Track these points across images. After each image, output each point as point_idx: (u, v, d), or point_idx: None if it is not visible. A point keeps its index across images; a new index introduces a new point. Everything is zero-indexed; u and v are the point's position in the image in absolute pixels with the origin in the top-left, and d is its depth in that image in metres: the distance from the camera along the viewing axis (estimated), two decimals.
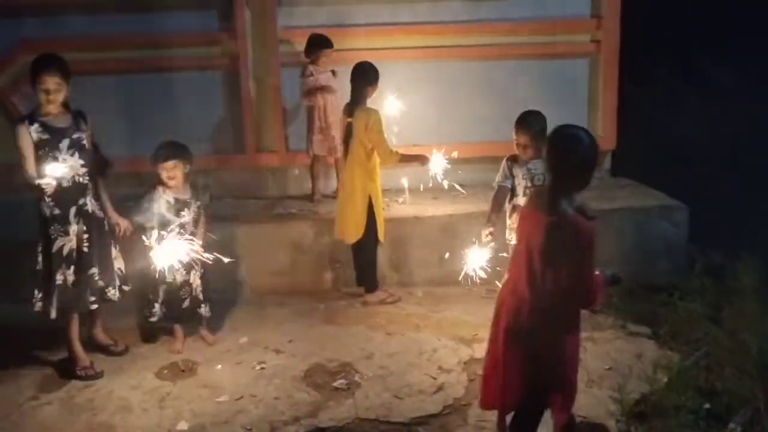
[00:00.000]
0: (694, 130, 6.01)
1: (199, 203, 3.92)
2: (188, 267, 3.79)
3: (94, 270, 3.62)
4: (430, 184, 4.45)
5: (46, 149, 3.45)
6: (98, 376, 3.65)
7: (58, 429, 3.20)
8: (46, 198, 3.47)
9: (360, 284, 4.56)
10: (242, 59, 5.42)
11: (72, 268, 3.56)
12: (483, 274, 3.62)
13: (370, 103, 4.35)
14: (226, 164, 5.57)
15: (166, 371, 3.72)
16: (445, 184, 4.40)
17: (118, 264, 3.79)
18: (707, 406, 3.11)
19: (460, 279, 3.59)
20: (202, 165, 5.48)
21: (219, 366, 3.76)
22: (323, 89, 4.99)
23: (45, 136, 3.47)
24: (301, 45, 5.28)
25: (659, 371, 3.31)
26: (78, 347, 3.70)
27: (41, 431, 3.19)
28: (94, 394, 3.49)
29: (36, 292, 3.59)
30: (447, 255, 4.25)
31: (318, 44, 4.98)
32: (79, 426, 3.21)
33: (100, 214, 3.68)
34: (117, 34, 5.40)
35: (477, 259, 3.60)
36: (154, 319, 3.90)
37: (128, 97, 5.49)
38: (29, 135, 3.45)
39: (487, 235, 3.68)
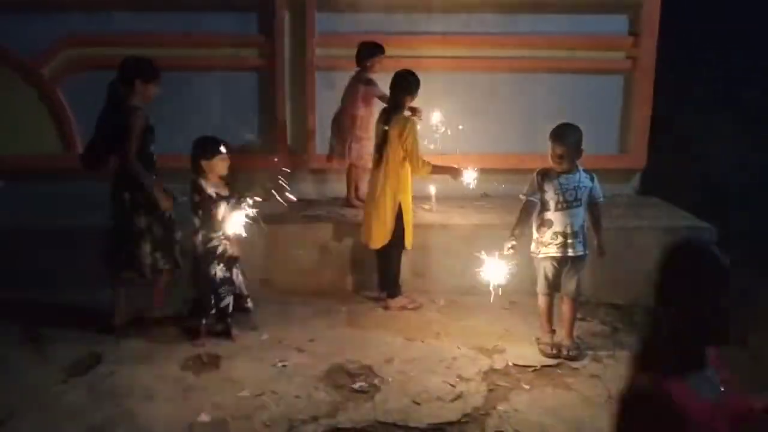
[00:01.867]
0: (725, 151, 5.96)
1: (233, 200, 3.97)
2: (229, 263, 3.90)
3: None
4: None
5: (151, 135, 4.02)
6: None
7: (83, 414, 3.27)
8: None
9: (382, 289, 4.59)
10: (279, 61, 5.51)
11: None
12: (500, 285, 3.62)
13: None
14: (258, 165, 5.64)
15: (190, 363, 3.79)
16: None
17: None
18: None
19: (487, 288, 3.60)
20: (235, 165, 5.60)
21: (241, 361, 3.81)
22: (375, 98, 4.97)
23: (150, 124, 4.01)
24: (337, 50, 5.35)
25: None
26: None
27: (68, 415, 3.26)
28: (119, 381, 3.57)
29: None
30: (478, 260, 4.23)
31: (374, 51, 4.98)
32: (103, 412, 3.29)
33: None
34: (158, 32, 5.53)
35: (496, 271, 3.60)
36: (208, 320, 3.99)
37: (166, 95, 5.59)
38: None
39: (509, 249, 3.68)
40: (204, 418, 3.25)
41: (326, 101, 5.38)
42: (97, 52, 5.57)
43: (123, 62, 4.16)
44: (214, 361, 3.82)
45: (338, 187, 5.50)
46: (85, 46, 5.58)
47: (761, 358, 3.65)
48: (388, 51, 5.17)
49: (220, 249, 3.89)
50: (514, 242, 3.71)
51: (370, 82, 4.99)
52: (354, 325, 4.34)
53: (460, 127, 5.15)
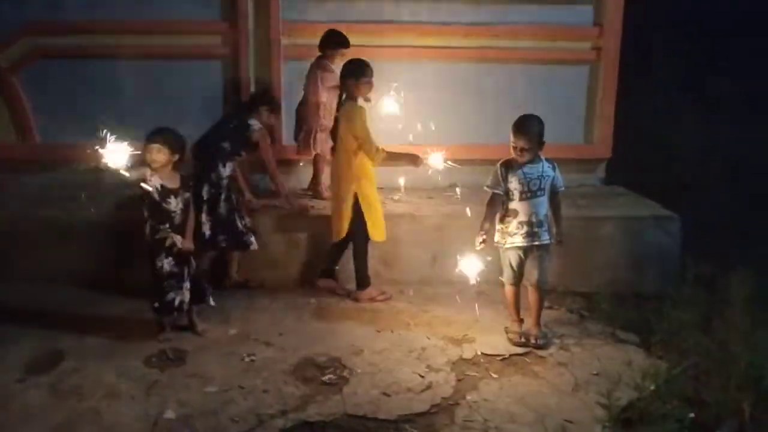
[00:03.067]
0: (690, 140, 6.06)
1: (188, 195, 3.92)
2: (180, 257, 3.84)
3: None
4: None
5: None
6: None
7: (44, 413, 3.17)
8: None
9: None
10: (243, 50, 5.41)
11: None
12: (476, 279, 3.77)
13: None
14: None
15: (154, 359, 3.70)
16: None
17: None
18: (692, 415, 3.13)
19: (457, 279, 3.65)
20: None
21: (208, 356, 3.75)
22: (335, 87, 4.92)
23: None
24: (302, 39, 5.27)
25: (647, 379, 3.33)
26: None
27: (27, 415, 3.16)
28: (81, 380, 3.47)
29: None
30: (447, 251, 4.25)
31: (339, 43, 4.94)
32: (65, 411, 3.19)
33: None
34: (118, 19, 5.38)
35: (471, 266, 3.73)
36: (156, 314, 3.92)
37: (126, 83, 5.47)
38: None
39: (480, 243, 3.76)
40: (169, 414, 3.18)
41: (294, 91, 5.30)
42: (54, 40, 5.42)
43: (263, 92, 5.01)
44: (180, 357, 3.74)
45: (308, 178, 5.45)
46: (43, 35, 5.41)
47: (725, 344, 3.71)
48: (354, 39, 5.12)
49: (168, 242, 3.81)
50: (484, 236, 3.76)
51: (327, 68, 4.95)
52: (323, 318, 4.30)
53: (432, 126, 5.15)
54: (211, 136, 4.59)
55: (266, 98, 4.84)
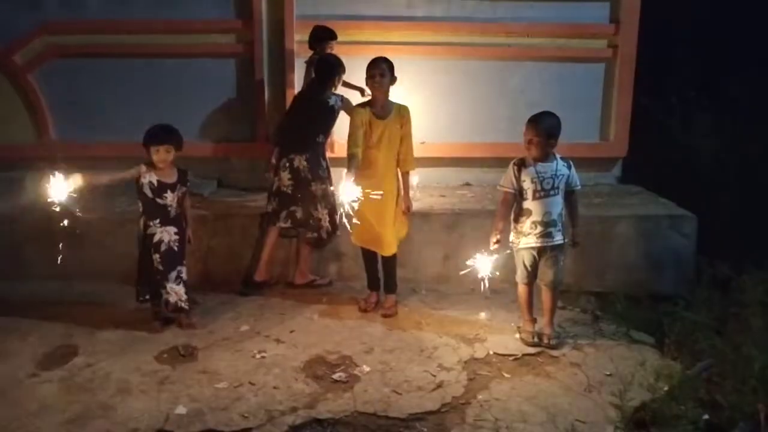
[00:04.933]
0: (705, 141, 5.98)
1: (184, 188, 3.97)
2: (171, 255, 3.91)
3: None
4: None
5: None
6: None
7: (56, 407, 3.20)
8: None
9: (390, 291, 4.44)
10: (257, 48, 5.43)
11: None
12: (488, 277, 3.70)
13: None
14: (237, 153, 5.58)
15: (165, 355, 3.73)
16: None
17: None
18: (706, 417, 3.09)
19: (471, 286, 3.62)
20: (213, 152, 5.54)
21: (219, 353, 3.76)
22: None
23: None
24: None
25: (661, 380, 3.29)
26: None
27: (40, 409, 3.19)
28: (93, 375, 3.50)
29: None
30: (459, 249, 4.21)
31: (327, 37, 4.92)
32: (77, 405, 3.22)
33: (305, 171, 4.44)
34: (134, 19, 5.42)
35: (485, 266, 3.67)
36: (143, 297, 4.00)
37: (142, 81, 5.51)
38: None
39: (494, 243, 3.71)
40: (181, 410, 3.19)
41: None
42: (72, 39, 5.47)
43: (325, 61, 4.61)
44: (191, 353, 3.76)
45: None
46: (60, 34, 5.47)
47: (740, 346, 3.66)
48: (367, 37, 5.10)
49: (156, 237, 3.86)
50: (498, 236, 3.72)
51: None
52: (334, 316, 4.29)
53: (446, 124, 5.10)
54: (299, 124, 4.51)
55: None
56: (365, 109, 4.12)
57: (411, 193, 4.33)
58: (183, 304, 3.96)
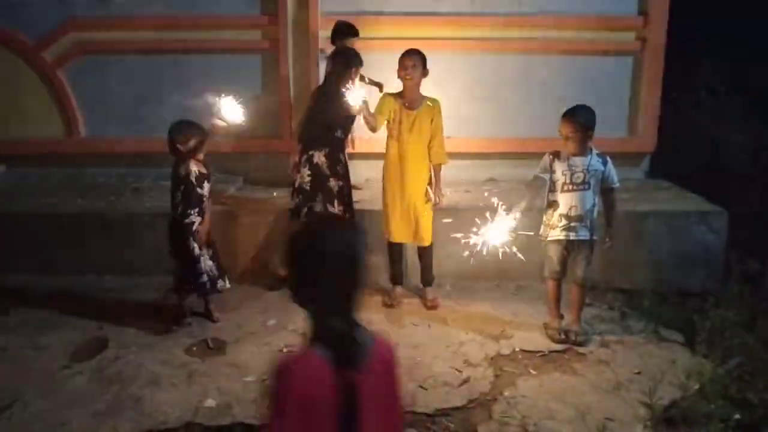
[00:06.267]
0: (735, 135, 5.88)
1: (212, 179, 4.08)
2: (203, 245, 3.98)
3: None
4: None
5: None
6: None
7: (87, 399, 3.26)
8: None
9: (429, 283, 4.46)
10: (282, 43, 5.44)
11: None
12: (497, 248, 3.38)
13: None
14: (263, 148, 5.61)
15: (195, 348, 3.77)
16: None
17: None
18: (738, 416, 3.05)
19: (496, 282, 3.44)
20: (239, 148, 5.57)
21: (246, 346, 3.80)
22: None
23: None
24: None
25: (691, 378, 3.25)
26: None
27: (72, 400, 3.25)
28: (124, 367, 3.55)
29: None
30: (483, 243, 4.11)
31: (348, 32, 4.90)
32: (108, 397, 3.27)
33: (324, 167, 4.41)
34: (161, 15, 5.47)
35: (493, 236, 3.35)
36: (186, 295, 4.04)
37: (169, 77, 5.56)
38: None
39: (513, 219, 3.39)
40: (210, 402, 3.23)
41: None
42: (100, 35, 5.53)
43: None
44: (219, 346, 3.80)
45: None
46: (89, 30, 5.53)
47: None
48: (392, 32, 5.07)
49: (194, 226, 3.93)
50: (518, 213, 3.46)
51: None
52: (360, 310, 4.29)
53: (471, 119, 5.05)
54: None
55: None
56: (395, 99, 4.14)
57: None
58: (217, 282, 4.05)
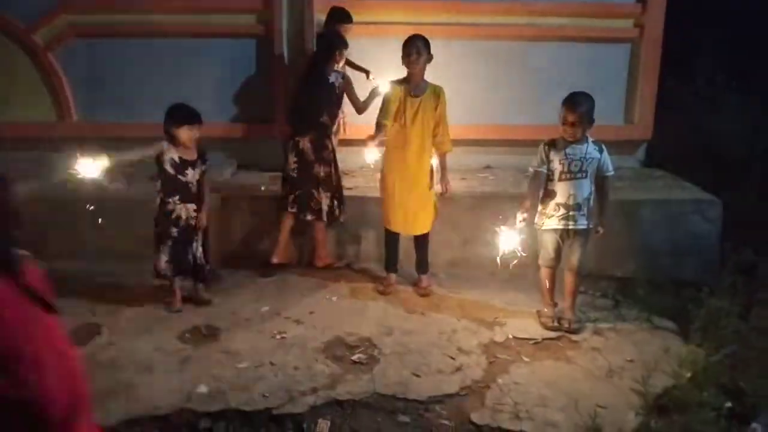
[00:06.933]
0: (732, 124, 5.87)
1: (204, 166, 4.02)
2: (188, 231, 3.96)
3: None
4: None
5: None
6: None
7: None
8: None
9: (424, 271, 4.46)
10: (277, 28, 5.39)
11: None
12: (512, 257, 3.60)
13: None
14: (257, 133, 5.57)
15: (188, 335, 3.76)
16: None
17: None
18: (730, 404, 3.06)
19: (497, 261, 3.57)
20: (233, 133, 5.53)
21: (240, 333, 3.79)
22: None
23: None
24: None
25: (684, 366, 3.26)
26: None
27: None
28: (116, 353, 3.54)
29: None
30: (479, 232, 4.16)
31: (339, 17, 4.87)
32: (100, 383, 3.24)
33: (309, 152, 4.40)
34: None
35: (508, 242, 3.56)
36: (163, 272, 4.01)
37: (163, 61, 5.50)
38: None
39: (521, 221, 3.65)
40: (202, 389, 3.22)
41: None
42: (92, 18, 5.46)
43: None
44: (213, 333, 3.79)
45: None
46: (80, 13, 5.46)
47: (761, 330, 3.61)
48: (389, 17, 5.03)
49: (174, 213, 3.92)
50: (525, 214, 3.67)
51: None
52: (353, 297, 4.30)
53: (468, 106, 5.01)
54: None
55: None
56: (400, 86, 4.12)
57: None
58: (205, 265, 4.08)
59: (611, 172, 3.76)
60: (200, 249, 4.05)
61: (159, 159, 3.89)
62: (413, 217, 4.23)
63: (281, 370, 3.40)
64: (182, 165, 3.92)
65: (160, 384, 3.27)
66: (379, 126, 4.07)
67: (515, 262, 3.59)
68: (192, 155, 3.97)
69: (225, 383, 3.27)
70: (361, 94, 4.56)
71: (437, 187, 4.25)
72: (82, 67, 5.54)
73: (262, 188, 4.92)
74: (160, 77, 5.46)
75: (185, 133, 3.87)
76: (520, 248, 3.55)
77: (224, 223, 4.72)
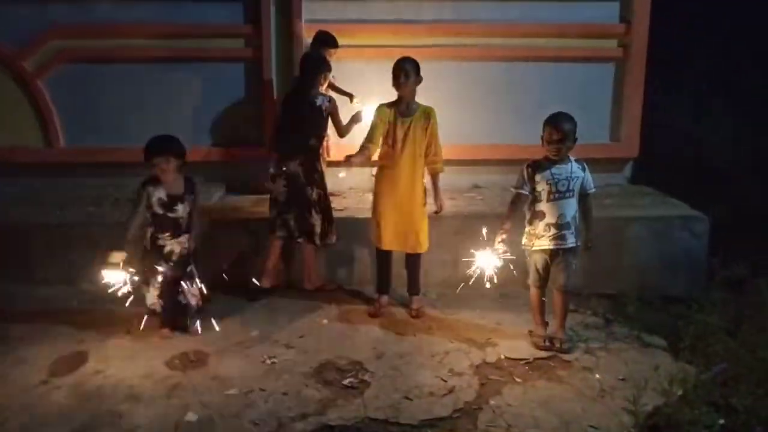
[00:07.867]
0: (718, 137, 5.92)
1: (192, 196, 3.96)
2: (179, 262, 3.91)
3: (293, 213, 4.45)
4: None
5: None
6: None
7: (65, 415, 3.19)
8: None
9: (416, 292, 4.45)
10: (266, 52, 5.42)
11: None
12: (490, 277, 3.71)
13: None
14: (246, 157, 5.57)
15: (176, 361, 3.72)
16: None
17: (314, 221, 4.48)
18: (722, 421, 3.05)
19: (469, 282, 3.64)
20: (222, 156, 5.53)
21: (229, 358, 3.75)
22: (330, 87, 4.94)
23: None
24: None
25: (674, 384, 3.25)
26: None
27: (50, 415, 3.19)
28: (103, 381, 3.49)
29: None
30: (469, 253, 4.16)
31: (325, 42, 4.91)
32: (86, 413, 3.21)
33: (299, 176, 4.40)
34: (142, 23, 5.43)
35: (486, 263, 3.68)
36: (153, 307, 3.98)
37: (152, 86, 5.51)
38: None
39: (500, 242, 3.71)
40: (191, 417, 3.18)
41: None
42: (81, 43, 5.48)
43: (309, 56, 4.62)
44: (201, 359, 3.75)
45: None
46: (69, 38, 5.48)
47: (751, 346, 3.61)
48: (375, 40, 5.06)
49: (167, 249, 3.88)
50: (504, 236, 3.72)
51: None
52: (344, 321, 4.28)
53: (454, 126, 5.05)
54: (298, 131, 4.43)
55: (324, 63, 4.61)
56: (390, 109, 4.13)
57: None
58: (198, 302, 4.04)
59: (593, 190, 3.80)
60: (191, 287, 3.98)
61: (147, 201, 3.83)
62: (404, 237, 4.23)
63: (271, 396, 3.36)
64: (170, 202, 3.85)
65: (148, 412, 3.21)
66: (363, 148, 4.08)
67: (496, 282, 3.69)
68: (179, 189, 3.89)
69: (214, 410, 3.22)
70: (344, 118, 4.58)
71: (431, 207, 4.25)
72: (71, 92, 5.54)
73: (257, 204, 4.89)
74: (149, 102, 5.47)
75: (160, 166, 3.79)
76: (499, 269, 3.66)
77: (213, 246, 4.69)
